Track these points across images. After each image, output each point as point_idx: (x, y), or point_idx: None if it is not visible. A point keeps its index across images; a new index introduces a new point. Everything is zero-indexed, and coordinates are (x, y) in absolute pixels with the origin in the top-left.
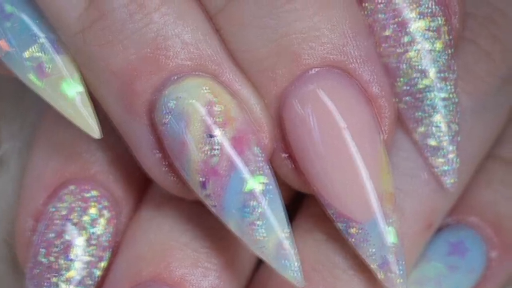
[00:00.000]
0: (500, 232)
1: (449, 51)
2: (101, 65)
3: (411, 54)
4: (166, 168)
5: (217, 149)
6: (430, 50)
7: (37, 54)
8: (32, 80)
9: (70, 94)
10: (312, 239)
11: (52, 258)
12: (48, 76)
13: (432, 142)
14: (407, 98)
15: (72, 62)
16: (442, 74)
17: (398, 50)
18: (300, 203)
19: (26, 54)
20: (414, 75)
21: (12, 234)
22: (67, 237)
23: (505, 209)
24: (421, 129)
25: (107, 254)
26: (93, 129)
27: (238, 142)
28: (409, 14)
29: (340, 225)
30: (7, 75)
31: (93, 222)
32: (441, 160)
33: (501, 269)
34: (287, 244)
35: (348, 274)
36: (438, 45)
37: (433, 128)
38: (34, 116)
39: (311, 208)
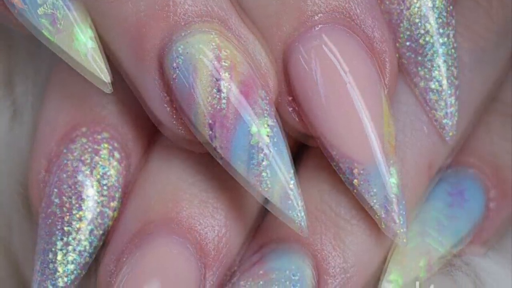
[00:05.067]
0: (498, 182)
1: (449, 8)
2: (112, 20)
3: (413, 11)
4: (175, 121)
5: (224, 102)
6: (431, 7)
7: (50, 10)
8: (45, 35)
9: (82, 49)
10: (316, 189)
11: (64, 198)
12: (60, 31)
13: (433, 96)
14: (408, 53)
15: (84, 17)
16: (442, 30)
17: (400, 7)
18: (305, 155)
19: (39, 11)
20: (416, 31)
21: (25, 186)
22: (79, 178)
23: (504, 160)
24: (422, 83)
25: (117, 194)
26: (105, 82)
27: (244, 96)
28: None
29: (343, 177)
30: (21, 30)
31: (104, 163)
32: (441, 113)
33: (499, 218)
34: (292, 194)
35: (351, 223)
36: (438, 2)
37: (434, 83)
38: (47, 70)
39: (315, 159)
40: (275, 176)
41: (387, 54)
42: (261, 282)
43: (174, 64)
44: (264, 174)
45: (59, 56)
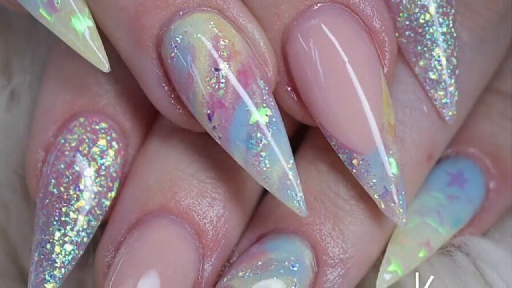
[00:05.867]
0: (498, 163)
1: None
2: (110, 10)
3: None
4: (173, 101)
5: (223, 82)
6: None
7: (48, 0)
8: (43, 15)
9: (79, 29)
10: (315, 170)
11: (62, 189)
12: (58, 11)
13: (432, 76)
14: (408, 32)
15: (83, 7)
16: (442, 9)
17: None
18: (303, 135)
19: (38, 1)
20: (415, 10)
21: (23, 166)
22: (76, 168)
23: (503, 141)
24: (422, 63)
25: (115, 185)
26: (102, 62)
27: (243, 75)
28: None
29: (342, 156)
30: (19, 11)
31: (102, 154)
32: (440, 93)
33: (499, 200)
34: (290, 174)
35: (350, 203)
36: None
37: (433, 62)
38: (44, 50)
39: (314, 139)
40: (274, 167)
41: (386, 44)
42: (259, 273)
43: (172, 54)
44: (262, 153)
45: (56, 35)
